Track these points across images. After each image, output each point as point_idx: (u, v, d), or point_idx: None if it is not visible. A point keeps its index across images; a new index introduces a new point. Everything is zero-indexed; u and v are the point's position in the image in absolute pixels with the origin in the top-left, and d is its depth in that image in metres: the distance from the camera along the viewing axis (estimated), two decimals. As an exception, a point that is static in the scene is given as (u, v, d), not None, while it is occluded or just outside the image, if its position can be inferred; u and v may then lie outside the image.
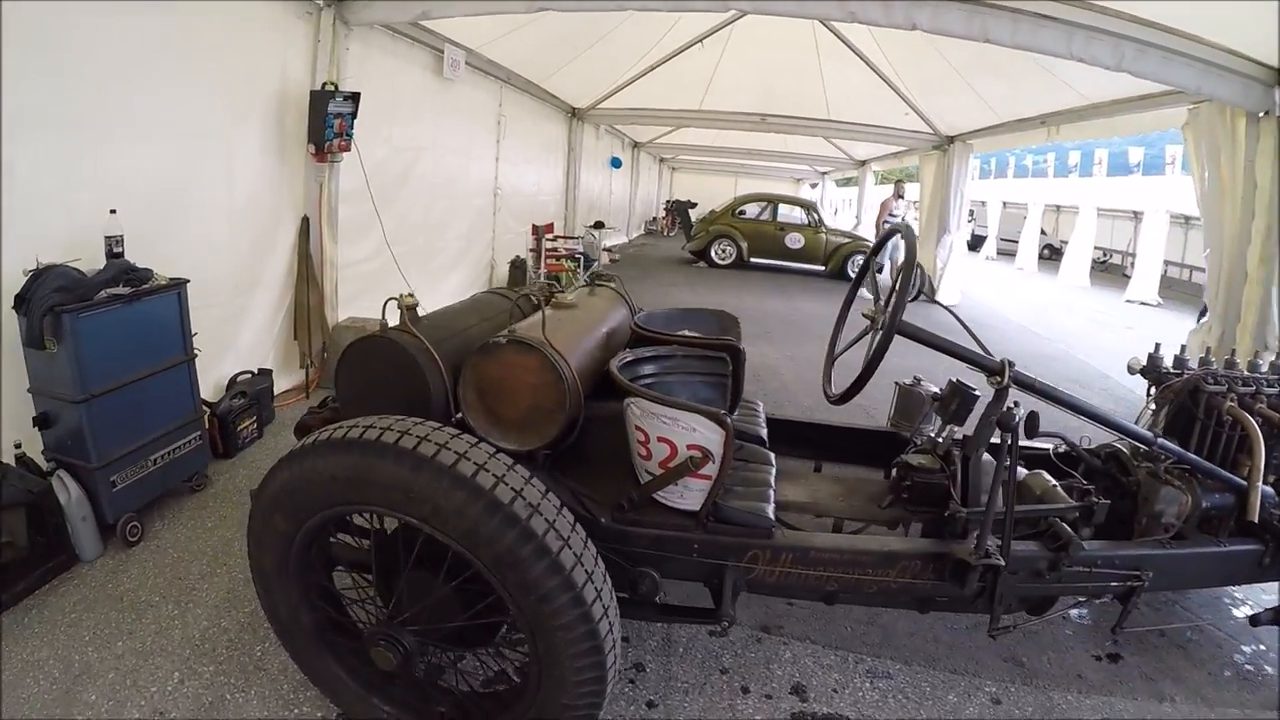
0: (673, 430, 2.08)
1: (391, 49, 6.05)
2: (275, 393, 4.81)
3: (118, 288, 3.28)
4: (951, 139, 11.66)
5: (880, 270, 11.66)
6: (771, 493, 2.46)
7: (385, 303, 2.35)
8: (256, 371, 4.58)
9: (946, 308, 2.57)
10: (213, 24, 4.06)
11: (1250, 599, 3.45)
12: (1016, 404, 2.27)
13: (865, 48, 9.24)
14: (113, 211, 3.42)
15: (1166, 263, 17.88)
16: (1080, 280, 18.91)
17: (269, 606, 2.15)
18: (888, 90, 10.28)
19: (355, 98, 4.98)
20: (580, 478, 2.34)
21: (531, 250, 9.89)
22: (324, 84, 4.92)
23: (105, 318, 3.19)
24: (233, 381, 4.37)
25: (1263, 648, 3.12)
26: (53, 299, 3.00)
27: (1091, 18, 4.64)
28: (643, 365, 2.52)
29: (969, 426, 2.55)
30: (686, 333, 2.99)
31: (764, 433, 3.04)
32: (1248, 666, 3.00)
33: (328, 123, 4.84)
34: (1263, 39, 4.79)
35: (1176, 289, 18.50)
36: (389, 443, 1.77)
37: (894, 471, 2.75)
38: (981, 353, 2.30)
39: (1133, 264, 18.88)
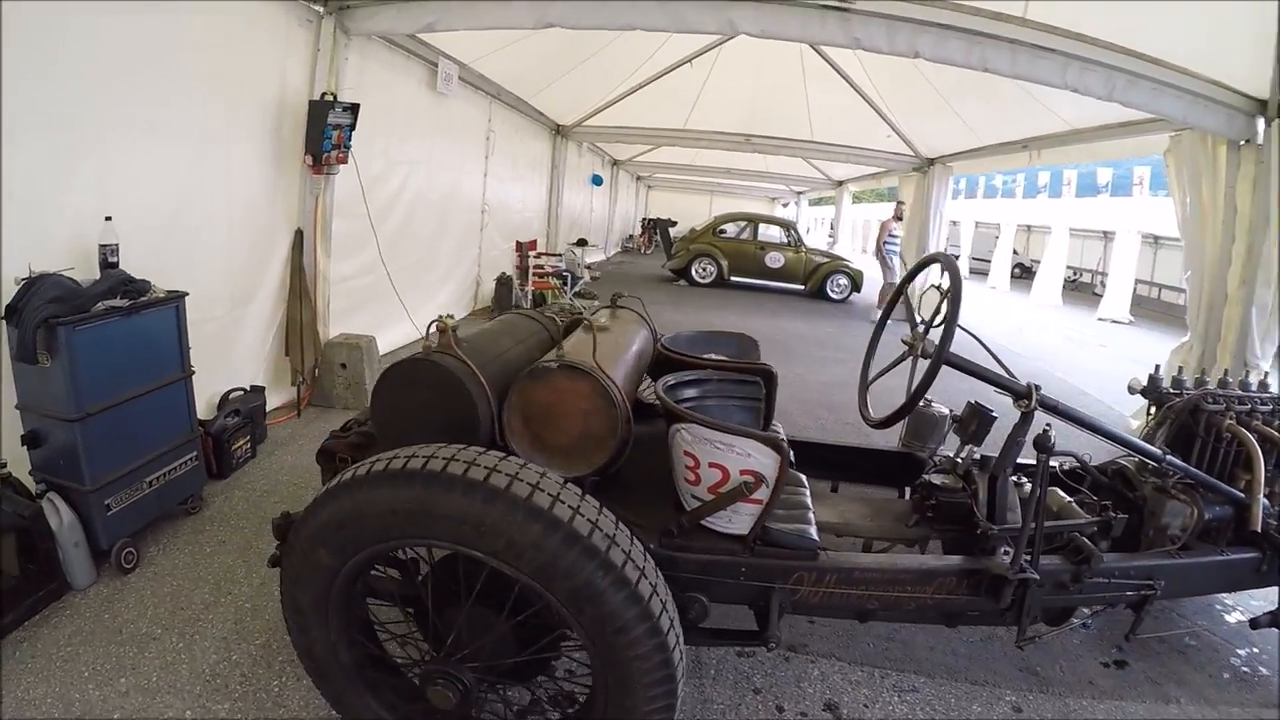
0: (726, 456, 2.05)
1: (388, 61, 5.98)
2: (266, 410, 4.65)
3: (115, 299, 3.13)
4: (932, 161, 11.82)
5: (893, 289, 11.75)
6: (811, 514, 2.46)
7: (430, 324, 2.28)
8: (249, 389, 4.41)
9: (972, 334, 2.60)
10: (213, 28, 3.95)
11: (1240, 605, 3.61)
12: (1049, 426, 2.35)
13: (850, 69, 9.36)
14: (108, 219, 3.30)
15: (1136, 281, 18.29)
16: (1053, 299, 19.24)
17: (303, 645, 2.02)
18: (871, 112, 10.41)
19: (354, 109, 4.88)
20: (619, 503, 2.27)
21: (517, 267, 9.79)
22: (323, 94, 4.81)
23: (102, 331, 3.04)
24: (225, 399, 4.20)
25: (1256, 650, 3.27)
26: (47, 310, 2.83)
27: (1086, 49, 4.74)
28: (683, 389, 2.52)
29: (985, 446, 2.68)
30: (712, 356, 2.98)
31: (790, 455, 3.00)
32: (1244, 669, 3.15)
33: (326, 133, 4.73)
34: (1247, 71, 4.98)
35: (1146, 307, 18.94)
36: (457, 474, 1.67)
37: (917, 491, 2.84)
38: (1010, 377, 2.40)
39: (1103, 283, 19.29)
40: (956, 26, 4.57)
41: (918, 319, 2.66)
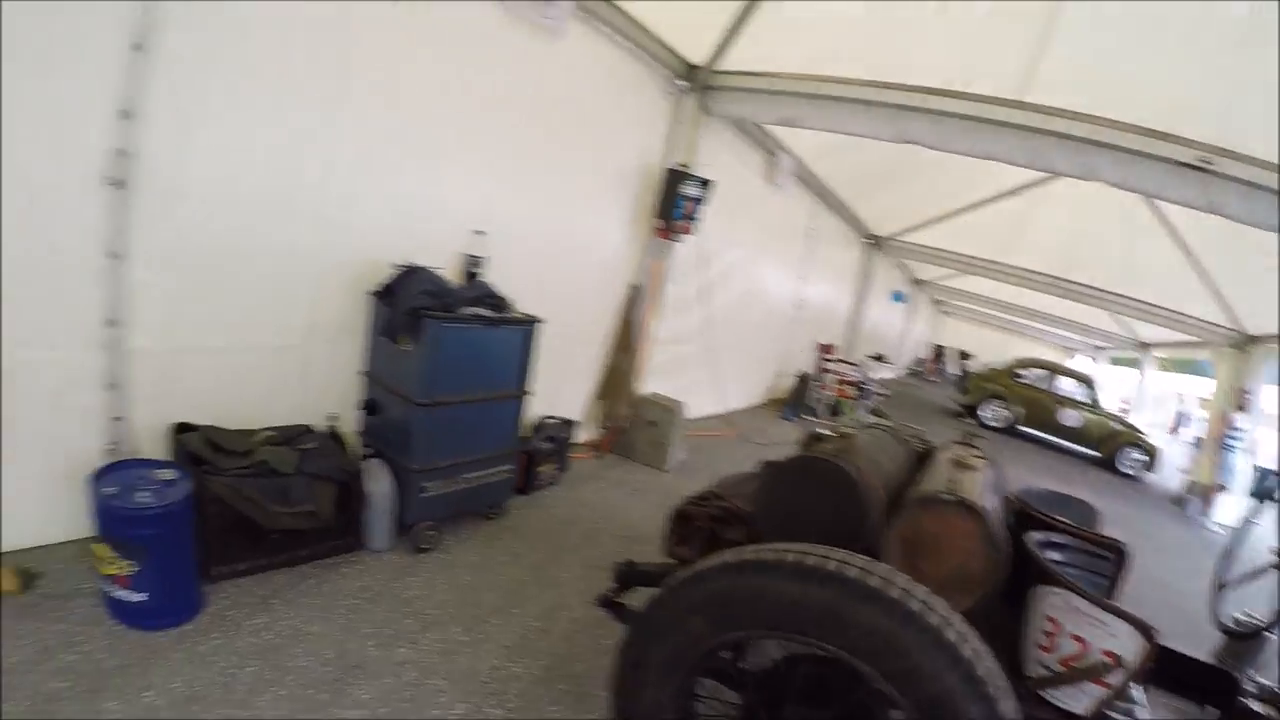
0: (1093, 631, 1.88)
1: (730, 143, 6.17)
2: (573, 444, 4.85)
3: (481, 308, 3.45)
4: (1255, 339, 10.03)
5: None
6: (1143, 711, 2.15)
7: (837, 424, 2.31)
8: (562, 420, 4.63)
9: None
10: (596, 85, 4.41)
11: None
12: None
13: (1179, 223, 8.22)
14: (480, 233, 3.64)
15: None
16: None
17: (624, 695, 2.02)
18: (1192, 274, 9.03)
19: (707, 184, 5.13)
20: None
21: (817, 368, 9.65)
22: (679, 164, 5.10)
23: (464, 333, 3.36)
24: (541, 424, 4.46)
25: None
26: (420, 300, 3.23)
27: None
28: (1048, 550, 2.36)
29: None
30: (1060, 519, 2.76)
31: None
32: None
33: (678, 202, 5.02)
34: None
35: None
36: (874, 587, 1.66)
37: (1232, 715, 2.49)
38: None
39: None
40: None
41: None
